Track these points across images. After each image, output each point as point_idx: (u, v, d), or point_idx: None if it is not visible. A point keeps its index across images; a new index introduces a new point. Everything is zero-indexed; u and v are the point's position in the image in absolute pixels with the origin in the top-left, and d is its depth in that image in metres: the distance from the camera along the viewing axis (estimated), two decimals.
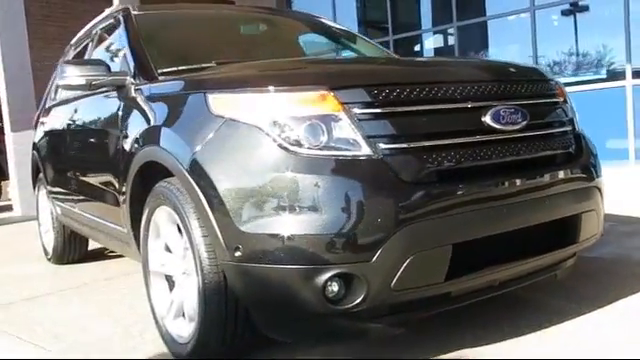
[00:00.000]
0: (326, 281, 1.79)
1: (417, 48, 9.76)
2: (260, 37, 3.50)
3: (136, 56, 2.76)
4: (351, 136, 1.85)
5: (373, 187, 1.81)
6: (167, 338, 2.36)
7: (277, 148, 1.85)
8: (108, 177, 2.81)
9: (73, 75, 2.75)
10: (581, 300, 2.60)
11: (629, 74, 7.24)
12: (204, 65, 2.61)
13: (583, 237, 2.28)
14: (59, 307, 3.29)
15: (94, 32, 3.72)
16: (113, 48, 3.20)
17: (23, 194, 8.81)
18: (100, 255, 4.64)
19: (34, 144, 4.56)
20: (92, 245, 4.59)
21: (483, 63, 2.55)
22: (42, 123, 4.33)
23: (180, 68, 2.59)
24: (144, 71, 2.66)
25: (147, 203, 2.39)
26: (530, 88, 2.24)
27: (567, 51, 8.11)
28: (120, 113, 2.68)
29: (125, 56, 2.85)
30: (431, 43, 9.73)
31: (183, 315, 2.31)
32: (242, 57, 2.86)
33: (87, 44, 3.86)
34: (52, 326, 2.93)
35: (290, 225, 1.81)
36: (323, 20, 3.76)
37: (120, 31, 3.09)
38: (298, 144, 1.85)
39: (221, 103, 2.02)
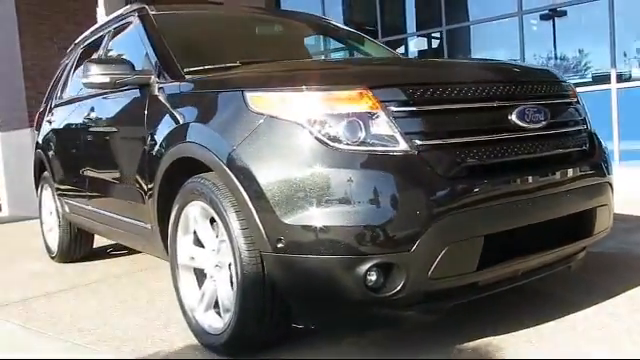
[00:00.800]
0: (367, 270, 1.88)
1: (405, 50, 9.90)
2: (276, 38, 3.57)
3: (160, 55, 2.81)
4: (389, 132, 1.94)
5: (412, 181, 1.91)
6: (197, 330, 2.43)
7: (319, 144, 1.94)
8: (131, 174, 2.86)
9: (98, 73, 2.79)
10: (592, 292, 2.73)
11: (614, 78, 7.45)
12: (229, 65, 2.67)
13: (597, 230, 2.40)
14: (76, 303, 3.32)
15: (106, 31, 3.75)
16: (130, 47, 3.24)
17: (11, 194, 8.75)
18: (103, 253, 4.67)
19: (38, 143, 4.57)
20: (95, 244, 4.65)
21: (506, 64, 2.67)
22: (49, 122, 4.34)
23: (206, 67, 2.65)
24: (170, 70, 2.72)
25: (177, 199, 2.45)
26: (548, 88, 2.37)
27: (553, 55, 8.32)
28: (146, 111, 2.73)
29: (147, 55, 2.90)
30: (420, 46, 9.89)
31: (215, 307, 2.38)
32: (263, 57, 2.93)
33: (98, 43, 3.89)
34: (74, 321, 2.97)
35: (332, 217, 1.89)
36: (333, 22, 3.85)
37: (138, 30, 3.14)
38: (339, 140, 1.93)
39: (261, 101, 2.09)
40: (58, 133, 4.11)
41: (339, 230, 1.88)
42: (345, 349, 2.29)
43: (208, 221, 2.36)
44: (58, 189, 4.14)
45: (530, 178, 2.12)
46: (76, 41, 4.68)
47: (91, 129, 3.43)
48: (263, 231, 1.99)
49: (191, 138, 2.31)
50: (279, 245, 1.96)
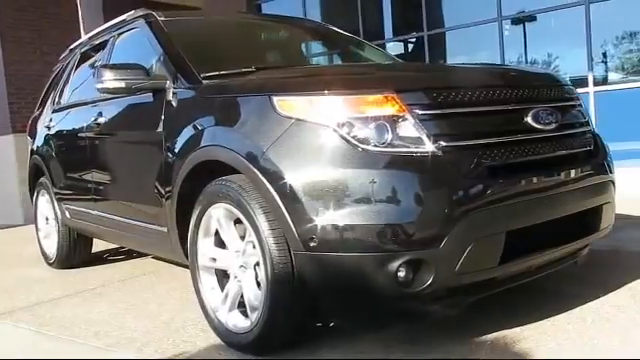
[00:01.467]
0: (399, 266, 1.96)
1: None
2: (283, 43, 3.64)
3: (175, 61, 2.86)
4: (415, 134, 2.03)
5: (439, 181, 2.00)
6: (221, 329, 2.48)
7: (349, 146, 2.02)
8: (146, 178, 2.89)
9: (112, 79, 2.82)
10: (594, 286, 2.85)
11: (591, 81, 7.70)
12: (244, 70, 2.73)
13: (603, 226, 2.53)
14: (84, 307, 3.32)
15: (108, 37, 3.77)
16: (138, 52, 3.27)
17: None
18: (100, 259, 4.67)
19: (35, 149, 4.55)
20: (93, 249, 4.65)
21: (518, 69, 2.78)
22: (47, 127, 4.32)
23: (222, 73, 2.71)
24: (186, 75, 2.76)
25: (199, 201, 2.50)
26: (557, 92, 2.49)
27: (532, 59, 8.55)
28: (163, 116, 2.77)
29: (160, 61, 2.94)
30: (401, 50, 10.04)
31: (239, 306, 2.43)
32: (273, 62, 3.00)
33: (98, 48, 3.91)
34: (88, 325, 2.98)
35: (365, 216, 1.97)
36: (335, 29, 3.94)
37: (147, 36, 3.17)
38: (368, 142, 2.02)
39: (289, 105, 2.16)
40: (59, 138, 4.10)
41: (372, 228, 1.96)
42: (367, 345, 2.36)
43: (232, 223, 2.41)
44: (58, 195, 4.13)
45: (545, 177, 2.23)
46: (71, 47, 4.68)
47: (99, 134, 3.44)
48: (295, 231, 2.06)
49: (217, 141, 2.36)
50: (312, 244, 2.03)
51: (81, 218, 3.86)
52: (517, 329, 2.39)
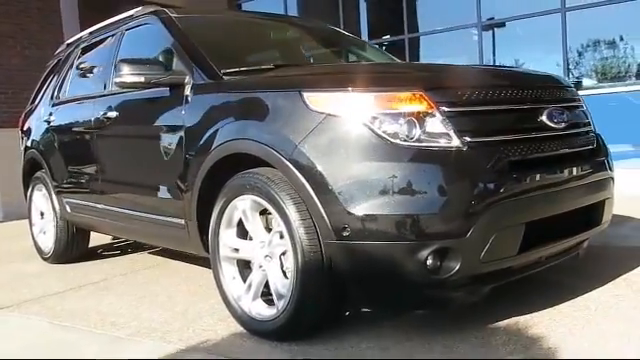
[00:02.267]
0: (428, 254, 2.08)
1: None
2: (292, 42, 3.73)
3: (194, 57, 2.92)
4: (443, 130, 2.15)
5: (466, 174, 2.13)
6: (244, 318, 2.55)
7: (381, 140, 2.13)
8: (164, 171, 2.94)
9: (131, 73, 2.87)
10: (590, 278, 3.01)
11: None
12: (263, 67, 2.82)
13: (604, 220, 2.70)
14: (93, 300, 3.34)
15: (113, 32, 3.80)
16: (150, 48, 3.32)
17: None
18: (95, 254, 4.66)
19: (32, 143, 4.53)
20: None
21: (530, 71, 2.93)
22: (47, 122, 4.31)
23: (243, 69, 2.78)
24: (206, 71, 2.83)
25: (224, 193, 2.57)
26: (565, 93, 2.65)
27: (511, 64, 8.82)
28: (183, 111, 2.83)
29: (177, 56, 2.99)
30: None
31: (263, 295, 2.51)
32: (288, 60, 3.09)
33: (102, 44, 3.93)
34: (102, 316, 3.01)
35: (396, 206, 2.08)
36: (339, 30, 4.05)
37: (161, 32, 3.22)
38: (399, 137, 2.13)
39: (320, 101, 2.26)
40: (62, 132, 4.09)
41: (403, 218, 2.07)
42: (389, 330, 2.48)
43: (258, 214, 2.49)
44: (58, 189, 4.13)
45: (558, 173, 2.39)
46: (68, 41, 4.68)
47: (108, 128, 3.47)
48: (328, 221, 2.16)
49: (246, 135, 2.44)
50: (344, 233, 2.13)
51: (84, 212, 3.87)
52: (526, 316, 2.52)
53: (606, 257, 3.52)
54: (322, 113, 2.23)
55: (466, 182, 2.12)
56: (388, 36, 9.88)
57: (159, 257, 4.37)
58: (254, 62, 2.87)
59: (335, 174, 2.15)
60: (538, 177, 2.29)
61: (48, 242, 4.43)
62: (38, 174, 4.48)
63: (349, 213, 2.12)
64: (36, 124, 4.55)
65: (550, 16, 8.10)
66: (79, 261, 4.42)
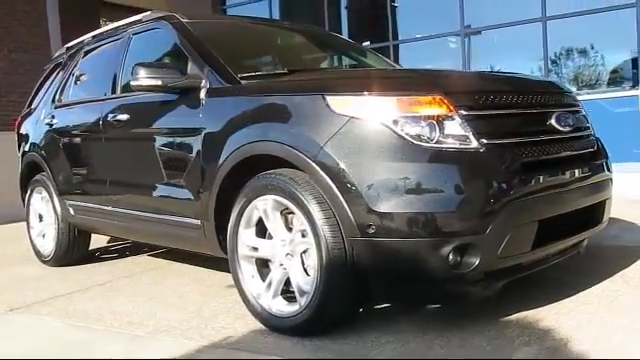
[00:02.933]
0: (450, 250, 2.19)
1: None
2: (300, 48, 3.82)
3: (210, 61, 2.99)
4: (462, 132, 2.27)
5: (485, 174, 2.25)
6: (264, 315, 2.62)
7: (404, 141, 2.23)
8: (181, 173, 3.00)
9: (147, 76, 2.93)
10: (587, 275, 3.15)
11: None
12: (278, 72, 2.91)
13: (604, 219, 2.85)
14: (103, 301, 3.36)
15: (120, 37, 3.84)
16: (161, 52, 3.38)
17: None
18: (94, 258, 4.67)
19: (32, 146, 4.53)
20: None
21: (540, 78, 3.08)
22: (49, 124, 4.31)
23: (259, 73, 2.87)
24: (223, 75, 2.90)
25: (244, 193, 2.65)
26: (568, 98, 2.80)
27: (495, 71, 9.04)
28: (201, 114, 2.90)
29: (194, 61, 3.05)
30: None
31: (283, 293, 2.59)
32: (299, 65, 3.18)
33: (108, 47, 3.97)
34: (116, 315, 3.04)
35: (420, 204, 2.19)
36: (343, 37, 4.16)
37: (174, 37, 3.28)
38: (421, 138, 2.24)
39: (344, 104, 2.36)
40: (66, 134, 4.10)
41: (426, 216, 2.18)
42: (405, 325, 2.58)
43: (279, 213, 2.57)
44: (61, 191, 4.14)
45: (567, 173, 2.52)
46: (68, 45, 4.69)
47: (119, 130, 3.51)
48: (353, 219, 2.25)
49: (270, 137, 2.52)
50: (370, 231, 2.23)
51: (90, 214, 3.89)
52: (534, 311, 2.64)
53: (600, 256, 3.67)
54: (345, 116, 2.33)
55: (485, 182, 2.23)
56: (368, 42, 10.04)
57: (161, 259, 4.40)
58: (265, 66, 2.96)
59: (360, 174, 2.25)
60: (549, 177, 2.42)
61: (48, 245, 4.43)
62: (38, 177, 4.48)
63: (374, 211, 2.22)
64: (35, 127, 4.55)
65: (531, 25, 8.35)
66: (79, 264, 4.43)
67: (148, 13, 3.66)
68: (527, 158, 2.36)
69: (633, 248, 3.80)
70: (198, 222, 2.96)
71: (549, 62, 8.37)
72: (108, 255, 4.78)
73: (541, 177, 2.38)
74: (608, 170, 2.89)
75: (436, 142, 2.25)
